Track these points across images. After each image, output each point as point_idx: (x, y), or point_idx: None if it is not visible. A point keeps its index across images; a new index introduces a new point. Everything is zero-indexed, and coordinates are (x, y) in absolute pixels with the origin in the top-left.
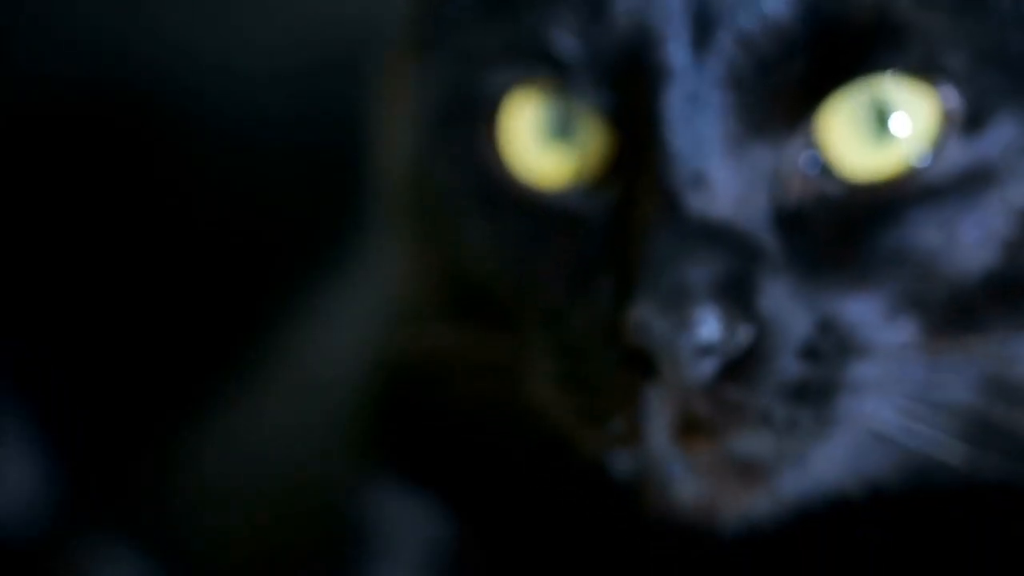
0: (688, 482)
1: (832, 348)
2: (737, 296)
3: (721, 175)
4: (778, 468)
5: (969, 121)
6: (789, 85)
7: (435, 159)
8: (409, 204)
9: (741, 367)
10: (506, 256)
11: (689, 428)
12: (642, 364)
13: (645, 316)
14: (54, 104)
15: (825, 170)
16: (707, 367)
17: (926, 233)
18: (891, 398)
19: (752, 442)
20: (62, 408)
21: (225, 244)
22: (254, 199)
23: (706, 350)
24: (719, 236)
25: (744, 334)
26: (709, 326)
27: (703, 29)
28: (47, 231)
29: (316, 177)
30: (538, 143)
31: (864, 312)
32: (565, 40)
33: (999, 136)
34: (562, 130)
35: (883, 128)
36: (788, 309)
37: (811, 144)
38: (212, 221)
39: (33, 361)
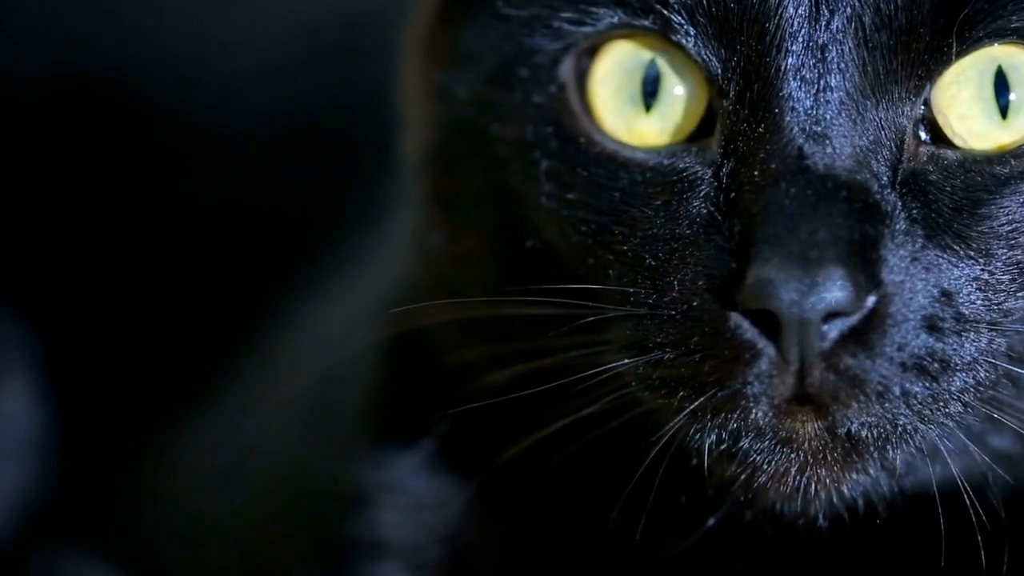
0: (785, 459)
1: (951, 321)
2: (865, 260)
3: (843, 131)
4: (883, 448)
5: None
6: (913, 45)
7: (495, 120)
8: (450, 171)
9: (863, 336)
10: (588, 216)
11: (798, 399)
12: (761, 327)
13: (771, 274)
14: (58, 96)
15: (940, 137)
16: (831, 333)
17: None
18: (997, 377)
19: (863, 417)
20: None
21: (220, 237)
22: (251, 190)
23: (832, 315)
24: (845, 195)
25: (870, 300)
26: (839, 290)
27: None
28: (35, 229)
29: (322, 159)
30: (628, 98)
31: (982, 286)
32: None
33: None
34: (654, 84)
35: (1003, 98)
36: (911, 278)
37: (931, 108)
38: (203, 214)
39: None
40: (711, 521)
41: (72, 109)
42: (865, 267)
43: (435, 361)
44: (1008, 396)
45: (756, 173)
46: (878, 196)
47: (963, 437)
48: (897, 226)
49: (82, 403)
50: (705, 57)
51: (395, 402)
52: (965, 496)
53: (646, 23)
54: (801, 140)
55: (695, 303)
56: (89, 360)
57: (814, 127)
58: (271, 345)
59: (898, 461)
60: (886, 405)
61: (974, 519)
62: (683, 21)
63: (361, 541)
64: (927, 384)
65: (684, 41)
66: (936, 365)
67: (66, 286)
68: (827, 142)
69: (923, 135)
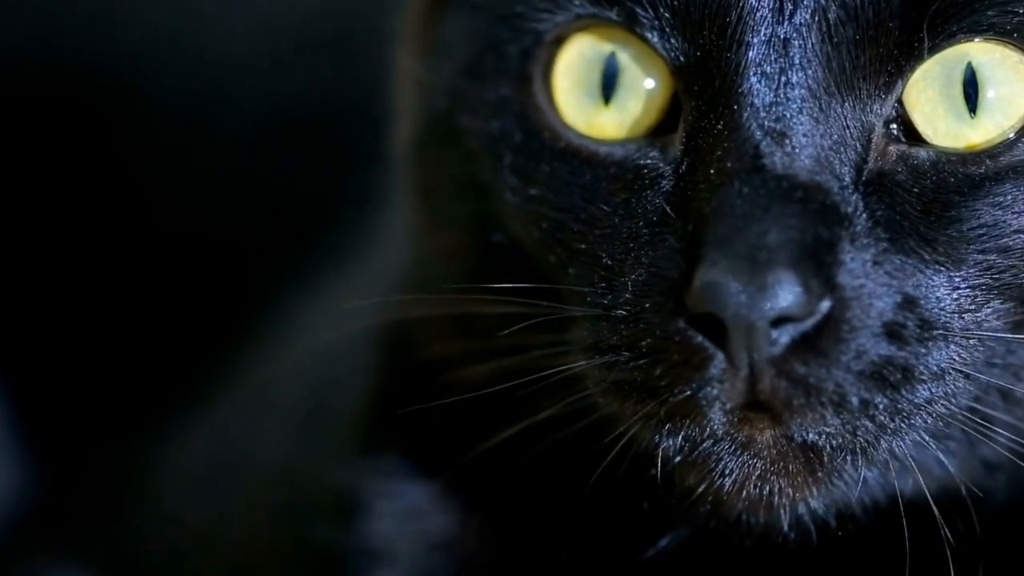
0: (744, 468)
1: (914, 329)
2: (818, 263)
3: (804, 130)
4: (845, 459)
5: None
6: (882, 40)
7: (465, 112)
8: (429, 163)
9: (816, 342)
10: (549, 212)
11: (753, 406)
12: (709, 331)
13: (717, 277)
14: (41, 86)
15: (914, 136)
16: (781, 339)
17: (1018, 211)
18: (975, 389)
19: (820, 427)
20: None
21: (209, 234)
22: (242, 185)
23: (782, 320)
24: (801, 196)
25: (824, 305)
26: (788, 293)
27: None
28: (17, 227)
29: (316, 153)
30: (587, 91)
31: (950, 292)
32: None
33: None
34: (619, 78)
35: (977, 97)
36: (870, 282)
37: (901, 107)
38: (191, 210)
39: None
40: (669, 536)
41: (56, 99)
42: (819, 271)
43: (419, 356)
44: (993, 409)
45: (712, 171)
46: (838, 197)
47: (936, 450)
48: (857, 228)
49: (67, 407)
50: (669, 51)
51: (385, 400)
52: (934, 510)
53: (611, 15)
54: (759, 138)
55: (647, 305)
56: (74, 362)
57: (773, 124)
58: (263, 346)
59: (863, 473)
60: (844, 415)
61: (943, 534)
62: (648, 15)
63: (356, 550)
64: (888, 394)
65: (648, 35)
66: (898, 375)
67: (48, 284)
68: (786, 140)
69: (896, 133)
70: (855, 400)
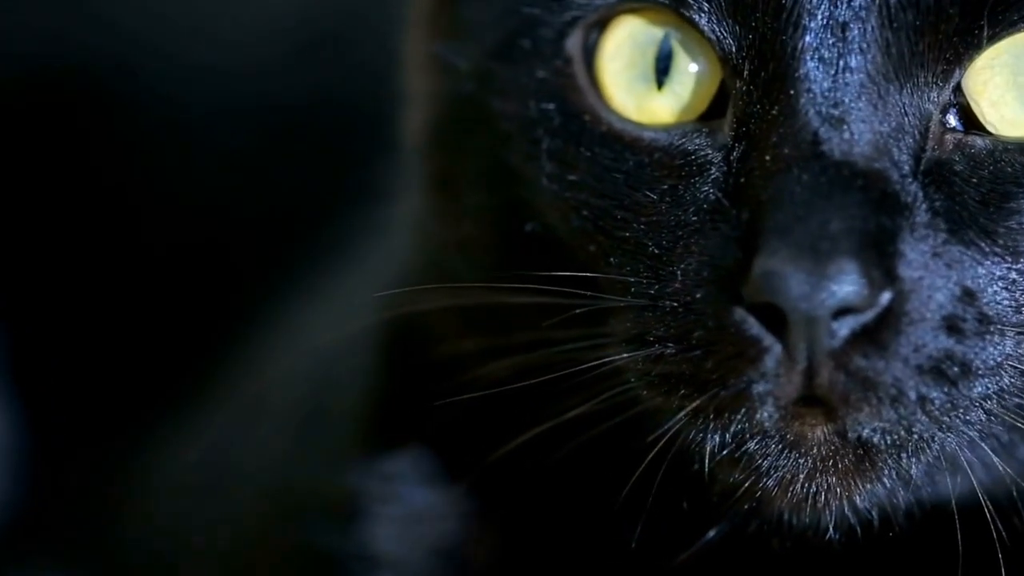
0: (792, 465)
1: (973, 323)
2: (880, 254)
3: (862, 116)
4: (898, 456)
5: None
6: (941, 27)
7: (497, 96)
8: (450, 150)
9: (876, 335)
10: (590, 199)
11: (806, 400)
12: (767, 321)
13: (778, 267)
14: (35, 90)
15: (974, 124)
16: (841, 331)
17: None
18: None
19: (875, 422)
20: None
21: (206, 235)
22: (239, 185)
23: (843, 311)
24: (861, 184)
25: (884, 297)
26: (851, 284)
27: None
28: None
29: (313, 153)
30: (639, 75)
31: (1007, 285)
32: None
33: None
34: (667, 61)
35: None
36: (930, 274)
37: (961, 94)
38: (187, 211)
39: None
40: (711, 533)
41: (49, 104)
42: (880, 261)
43: (430, 352)
44: None
45: (767, 158)
46: (898, 186)
47: (986, 448)
48: (917, 219)
49: (57, 410)
50: (718, 34)
51: (391, 399)
52: (986, 511)
53: None
54: (817, 124)
55: (698, 295)
56: (65, 364)
57: (831, 110)
58: (261, 347)
59: (914, 471)
60: (900, 410)
61: (995, 536)
62: None
63: (356, 556)
64: (945, 389)
65: (696, 17)
66: (955, 369)
67: (41, 289)
68: (844, 127)
69: (952, 122)
70: (912, 394)
